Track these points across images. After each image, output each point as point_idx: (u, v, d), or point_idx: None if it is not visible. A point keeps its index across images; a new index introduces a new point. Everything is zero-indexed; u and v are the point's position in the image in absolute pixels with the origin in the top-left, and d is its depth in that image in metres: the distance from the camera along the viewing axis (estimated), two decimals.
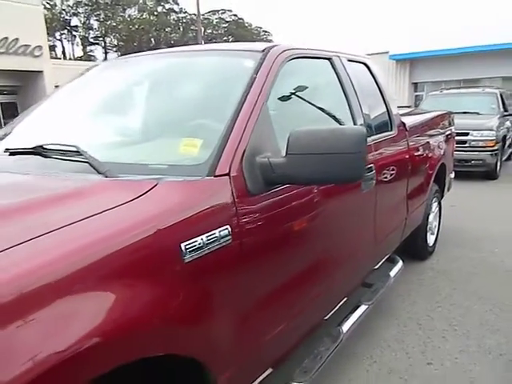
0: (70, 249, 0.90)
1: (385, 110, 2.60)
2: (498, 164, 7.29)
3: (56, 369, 0.78)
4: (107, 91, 1.92)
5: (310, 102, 1.93)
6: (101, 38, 53.81)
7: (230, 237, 1.22)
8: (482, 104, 7.78)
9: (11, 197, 1.17)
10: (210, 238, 1.16)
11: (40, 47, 19.68)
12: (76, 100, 1.99)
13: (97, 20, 51.39)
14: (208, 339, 1.18)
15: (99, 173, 1.23)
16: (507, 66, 19.78)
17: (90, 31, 52.86)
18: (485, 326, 2.52)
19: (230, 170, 1.28)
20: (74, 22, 49.71)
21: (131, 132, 1.69)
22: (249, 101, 1.45)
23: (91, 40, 53.22)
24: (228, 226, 1.22)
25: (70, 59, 44.47)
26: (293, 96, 1.83)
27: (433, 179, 3.39)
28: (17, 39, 18.54)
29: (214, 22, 56.01)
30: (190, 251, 1.10)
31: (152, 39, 54.65)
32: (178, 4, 51.76)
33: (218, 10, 54.83)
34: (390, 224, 2.62)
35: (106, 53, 54.11)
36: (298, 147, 1.33)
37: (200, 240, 1.13)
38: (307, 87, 1.97)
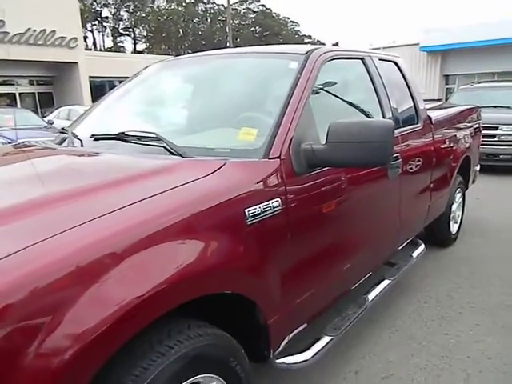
0: (170, 208, 1.23)
1: (412, 104, 2.83)
2: None
3: (165, 290, 1.11)
4: (170, 87, 2.25)
5: (344, 98, 2.20)
6: (130, 29, 54.72)
7: (280, 207, 1.52)
8: None
9: (118, 170, 1.50)
10: (265, 207, 1.46)
11: (75, 39, 20.38)
12: (141, 94, 2.33)
13: (126, 11, 52.25)
14: (262, 286, 1.48)
15: (178, 154, 1.55)
16: None
17: (120, 22, 53.83)
18: (501, 306, 2.75)
19: (280, 154, 1.58)
20: (105, 13, 50.66)
21: (195, 122, 2.00)
22: (294, 97, 1.74)
23: (121, 31, 54.20)
24: (279, 199, 1.52)
25: (101, 50, 45.55)
26: (330, 92, 2.10)
27: (456, 171, 3.58)
28: (54, 31, 19.26)
29: (242, 13, 55.86)
30: (251, 216, 1.40)
31: (180, 30, 55.23)
32: None
33: (246, 0, 54.60)
34: (414, 210, 2.86)
35: (135, 44, 55.07)
36: (336, 136, 1.61)
37: (258, 208, 1.43)
38: (342, 84, 2.24)
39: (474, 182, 4.34)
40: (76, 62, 20.51)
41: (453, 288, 3.02)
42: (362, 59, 2.36)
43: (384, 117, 2.36)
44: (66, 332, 0.94)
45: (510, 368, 2.13)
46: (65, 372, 0.93)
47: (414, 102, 2.84)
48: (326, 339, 1.91)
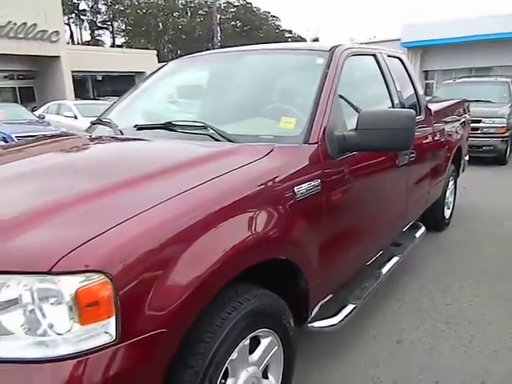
0: (236, 186, 1.42)
1: (415, 97, 3.07)
2: (508, 150, 7.72)
3: (243, 251, 1.31)
4: (206, 81, 2.42)
5: (362, 90, 2.42)
6: (109, 23, 53.77)
7: (319, 186, 1.73)
8: (494, 92, 8.17)
9: (183, 154, 1.68)
10: (309, 185, 1.67)
11: (57, 32, 20.01)
12: (172, 88, 2.50)
13: (104, 4, 51.31)
14: (305, 255, 1.69)
15: (228, 141, 1.74)
16: None
17: (98, 15, 52.84)
18: (495, 280, 3.03)
19: (317, 140, 1.79)
20: (82, 5, 49.60)
21: (233, 112, 2.18)
22: (325, 89, 1.95)
23: (99, 24, 53.24)
24: (318, 179, 1.73)
25: (78, 44, 44.66)
26: (351, 85, 2.32)
27: (451, 160, 3.87)
28: (35, 24, 18.91)
29: (222, 7, 55.53)
30: (299, 193, 1.61)
31: (160, 24, 54.59)
32: None
33: None
34: (417, 194, 3.11)
35: (113, 37, 54.16)
36: (365, 124, 1.82)
37: (304, 186, 1.64)
38: (359, 78, 2.46)
39: (463, 170, 4.65)
40: (58, 56, 20.16)
41: (451, 266, 3.30)
42: (374, 55, 2.58)
43: (394, 107, 2.60)
44: (177, 279, 1.14)
45: (508, 330, 2.41)
46: (176, 311, 1.13)
47: (416, 94, 3.09)
48: (350, 307, 2.14)
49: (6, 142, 7.27)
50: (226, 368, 1.35)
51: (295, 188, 1.59)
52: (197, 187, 1.32)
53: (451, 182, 4.19)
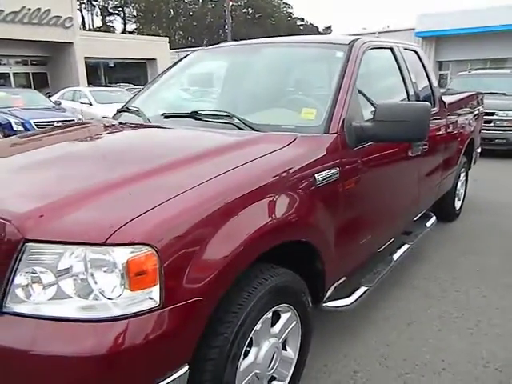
0: (265, 171, 1.54)
1: (430, 89, 3.14)
2: None
3: (269, 229, 1.43)
4: (234, 72, 2.53)
5: (379, 82, 2.51)
6: (120, 9, 53.61)
7: (338, 174, 1.84)
8: (509, 85, 8.13)
9: (215, 141, 1.80)
10: (329, 173, 1.78)
11: (70, 18, 20.09)
12: (195, 79, 2.60)
13: None
14: (324, 237, 1.80)
15: (254, 130, 1.85)
16: None
17: (110, 1, 52.74)
18: (502, 269, 3.13)
19: (337, 130, 1.89)
20: None
21: (255, 103, 2.28)
22: (344, 82, 2.04)
23: (110, 10, 53.11)
24: (338, 167, 1.84)
25: (90, 30, 44.67)
26: (369, 77, 2.41)
27: (463, 152, 3.94)
28: (49, 10, 19.00)
29: None
30: (320, 180, 1.72)
31: (171, 10, 54.33)
32: None
33: None
34: (429, 184, 3.20)
35: (124, 24, 54.02)
36: (382, 116, 1.92)
37: (324, 173, 1.75)
38: (377, 71, 2.54)
39: (475, 162, 4.70)
40: (71, 43, 20.29)
41: (460, 255, 3.40)
42: (391, 48, 2.66)
43: (409, 99, 2.68)
44: (212, 254, 1.27)
45: None
46: (211, 282, 1.26)
47: (431, 86, 3.16)
48: (362, 289, 2.26)
49: (25, 127, 7.47)
50: (251, 338, 1.49)
51: (316, 175, 1.71)
52: (230, 171, 1.45)
53: (463, 174, 4.26)
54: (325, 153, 1.80)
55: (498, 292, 2.80)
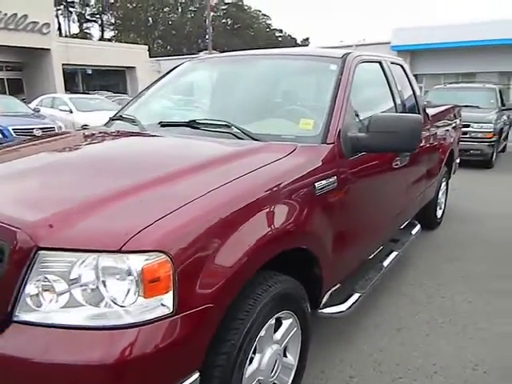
0: (267, 180, 1.57)
1: (414, 101, 3.26)
2: (494, 154, 8.03)
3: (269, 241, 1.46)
4: (221, 83, 2.57)
5: (370, 94, 2.59)
6: (98, 16, 53.12)
7: (335, 183, 1.89)
8: (482, 98, 8.47)
9: (216, 151, 1.82)
10: (327, 182, 1.83)
11: (48, 24, 19.81)
12: (190, 88, 2.63)
13: None
14: (322, 245, 1.85)
15: (253, 139, 1.89)
16: (504, 60, 20.48)
17: (87, 8, 52.18)
18: (485, 275, 3.25)
19: (334, 140, 1.95)
20: None
21: (252, 114, 2.32)
22: (339, 94, 2.11)
23: (88, 17, 52.54)
24: (335, 176, 1.89)
25: (66, 36, 44.05)
26: (360, 89, 2.48)
27: (444, 162, 4.08)
28: (26, 16, 18.69)
29: (213, 4, 55.15)
30: (319, 189, 1.77)
31: (150, 19, 54.19)
32: None
33: None
34: (414, 193, 3.30)
35: (102, 31, 53.52)
36: (376, 127, 1.99)
37: (324, 182, 1.80)
38: (367, 83, 2.62)
39: (454, 172, 4.88)
40: (48, 49, 19.97)
41: (444, 262, 3.51)
42: (379, 62, 2.76)
43: (397, 111, 2.78)
44: (222, 260, 1.29)
45: (501, 320, 2.61)
46: (221, 289, 1.28)
47: (415, 98, 3.28)
48: (356, 295, 2.31)
49: (3, 134, 7.29)
50: (255, 344, 1.51)
51: (316, 184, 1.75)
52: (237, 179, 1.48)
53: (444, 184, 4.41)
54: (323, 162, 1.85)
55: (483, 297, 2.90)
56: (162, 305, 1.18)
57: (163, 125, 2.23)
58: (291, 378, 1.79)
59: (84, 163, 1.71)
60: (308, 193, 1.72)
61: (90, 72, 25.35)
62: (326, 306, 2.14)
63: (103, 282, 1.16)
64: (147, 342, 1.16)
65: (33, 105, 11.01)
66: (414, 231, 3.37)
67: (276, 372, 1.66)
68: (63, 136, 2.32)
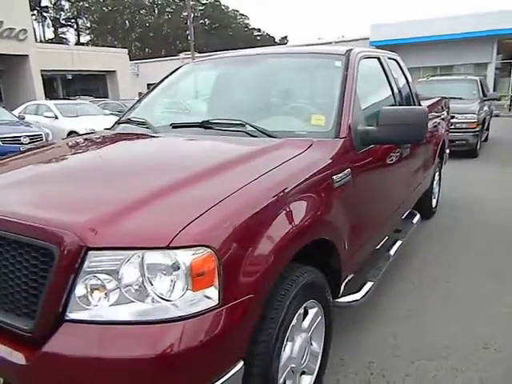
0: (292, 174, 1.63)
1: (410, 94, 3.36)
2: (479, 144, 8.25)
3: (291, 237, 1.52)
4: (235, 84, 2.61)
5: (372, 89, 2.68)
6: (73, 20, 52.34)
7: (350, 175, 1.96)
8: (465, 90, 8.69)
9: (240, 149, 1.86)
10: (344, 174, 1.89)
11: (25, 31, 19.46)
12: (198, 88, 2.67)
13: (68, 0, 49.97)
14: (340, 236, 1.91)
15: (270, 136, 1.94)
16: (479, 52, 21.09)
17: (62, 12, 51.37)
18: (484, 259, 3.37)
19: (346, 135, 2.02)
20: (44, 2, 47.95)
21: (263, 111, 2.37)
22: (347, 89, 2.18)
23: (62, 22, 51.71)
24: (349, 169, 1.96)
25: (41, 41, 43.28)
26: (363, 84, 2.56)
27: (438, 153, 4.21)
28: (1, 22, 18.31)
29: (190, 5, 54.79)
30: (336, 181, 1.83)
31: (126, 21, 53.63)
32: None
33: None
34: (413, 184, 3.41)
35: (78, 35, 52.76)
36: (386, 120, 2.07)
37: (340, 175, 1.86)
38: (369, 78, 2.70)
39: (445, 162, 5.02)
40: (26, 55, 19.61)
41: (444, 247, 3.63)
42: (378, 58, 2.84)
43: (395, 103, 2.87)
44: (260, 252, 1.35)
45: (502, 301, 2.73)
46: (261, 279, 1.33)
47: (411, 91, 3.38)
48: (369, 284, 2.39)
49: None
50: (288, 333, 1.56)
51: (334, 176, 1.82)
52: (268, 173, 1.55)
53: (437, 174, 4.54)
54: (338, 155, 1.92)
55: (486, 280, 3.02)
56: (208, 297, 1.23)
57: (175, 126, 2.27)
58: (317, 366, 1.85)
59: (114, 165, 1.74)
60: (328, 185, 1.79)
61: (69, 77, 25.01)
62: (342, 296, 2.21)
63: (152, 278, 1.20)
64: (195, 334, 1.20)
65: (17, 112, 10.82)
66: (414, 220, 3.48)
67: (305, 360, 1.72)
68: (87, 139, 2.33)
